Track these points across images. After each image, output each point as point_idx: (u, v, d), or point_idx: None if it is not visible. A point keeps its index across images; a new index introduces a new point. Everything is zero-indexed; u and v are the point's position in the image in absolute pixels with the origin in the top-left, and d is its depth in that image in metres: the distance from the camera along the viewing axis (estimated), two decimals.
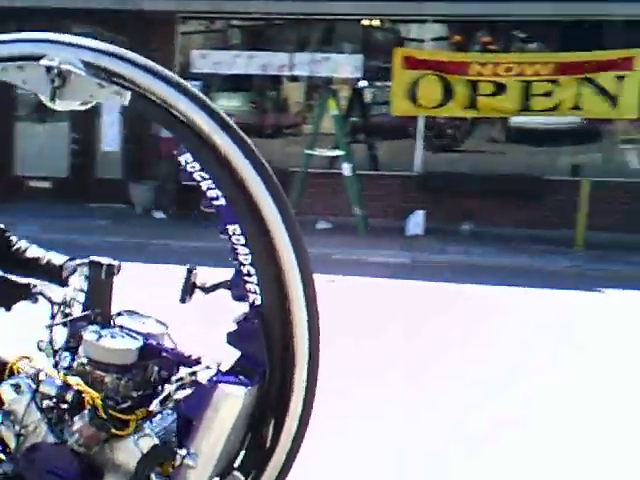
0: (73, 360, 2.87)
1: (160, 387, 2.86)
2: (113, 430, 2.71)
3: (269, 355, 2.71)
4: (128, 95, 2.63)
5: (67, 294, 2.99)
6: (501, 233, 11.69)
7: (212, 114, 2.63)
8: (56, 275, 3.11)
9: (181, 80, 2.68)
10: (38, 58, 2.66)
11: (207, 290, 2.94)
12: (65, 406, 2.79)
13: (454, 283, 9.08)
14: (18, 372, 2.92)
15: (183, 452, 2.65)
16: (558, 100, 11.95)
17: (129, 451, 2.72)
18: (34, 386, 2.83)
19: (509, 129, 13.23)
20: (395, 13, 12.50)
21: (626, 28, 12.24)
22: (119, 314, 2.98)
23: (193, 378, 2.76)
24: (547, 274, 9.78)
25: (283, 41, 13.23)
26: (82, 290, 3.00)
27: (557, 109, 12.04)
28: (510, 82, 12.00)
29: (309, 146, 11.72)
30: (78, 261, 3.09)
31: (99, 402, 2.74)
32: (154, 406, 2.77)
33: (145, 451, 2.68)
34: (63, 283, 3.06)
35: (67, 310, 2.96)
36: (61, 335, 2.93)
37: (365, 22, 12.77)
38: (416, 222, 12.06)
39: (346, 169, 11.53)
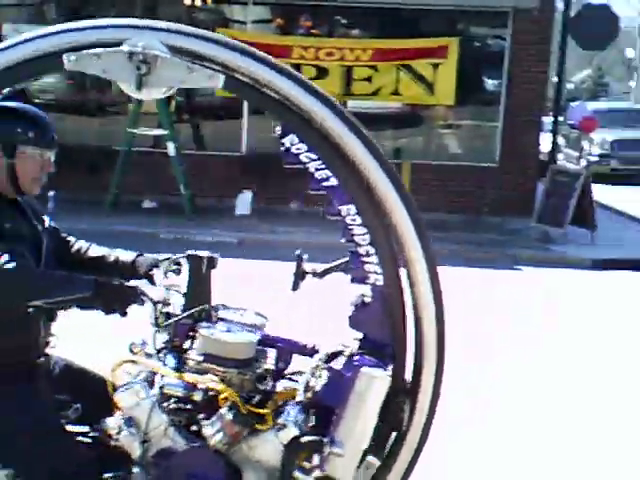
0: (179, 359, 2.73)
1: (278, 379, 2.77)
2: (256, 425, 2.62)
3: (395, 335, 2.64)
4: (222, 78, 2.51)
5: (161, 292, 2.82)
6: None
7: (316, 94, 2.55)
8: (128, 272, 2.96)
9: (277, 61, 2.57)
10: (116, 44, 2.50)
11: (320, 275, 2.91)
12: (190, 406, 2.67)
13: (281, 261, 9.17)
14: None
15: (328, 441, 2.54)
16: (378, 85, 12.32)
17: (271, 445, 2.62)
18: (152, 389, 2.69)
19: None
20: None
21: (442, 17, 12.81)
22: (216, 308, 2.86)
23: (328, 365, 2.65)
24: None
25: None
26: (175, 286, 2.88)
27: (377, 94, 12.41)
28: (332, 67, 12.24)
29: (131, 125, 11.50)
30: (161, 256, 2.99)
31: (238, 398, 2.63)
32: (299, 397, 2.68)
33: (286, 443, 2.59)
34: (141, 279, 2.90)
35: (165, 309, 2.80)
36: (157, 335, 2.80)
37: (187, 2, 12.62)
38: (244, 202, 12.11)
39: (171, 149, 11.41)
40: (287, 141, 2.59)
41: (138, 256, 3.04)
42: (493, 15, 12.79)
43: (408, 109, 13.40)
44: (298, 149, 2.59)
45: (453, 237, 11.17)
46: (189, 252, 2.93)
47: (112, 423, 2.70)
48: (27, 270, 2.68)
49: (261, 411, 2.64)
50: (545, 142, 13.71)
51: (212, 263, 2.91)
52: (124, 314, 2.66)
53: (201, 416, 2.66)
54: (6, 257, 2.58)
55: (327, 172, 2.59)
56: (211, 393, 2.65)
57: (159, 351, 2.78)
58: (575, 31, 12.93)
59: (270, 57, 2.57)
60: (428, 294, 2.61)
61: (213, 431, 2.62)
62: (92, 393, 2.89)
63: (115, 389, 2.72)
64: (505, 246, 11.06)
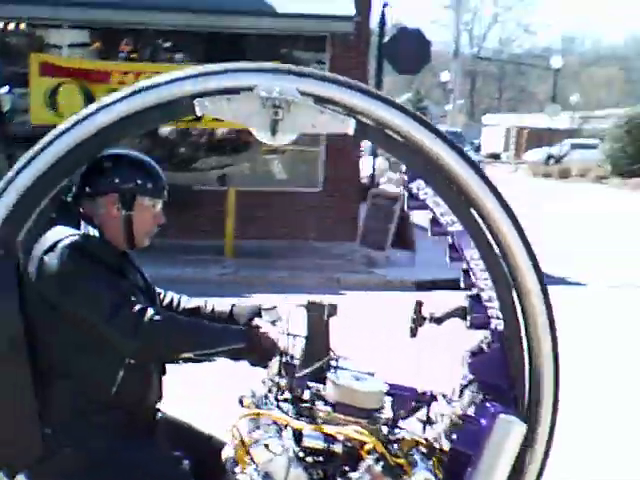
0: (302, 411, 2.65)
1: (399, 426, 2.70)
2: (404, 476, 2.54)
3: (517, 379, 2.61)
4: (352, 123, 2.51)
5: (286, 341, 2.73)
6: (153, 244, 11.69)
7: (441, 136, 2.54)
8: (228, 322, 2.85)
9: (403, 105, 2.58)
10: (247, 89, 2.47)
11: (439, 320, 2.87)
12: (329, 459, 2.59)
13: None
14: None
15: None
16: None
17: None
18: (286, 442, 2.58)
19: None
20: (30, 16, 12.03)
21: (264, 41, 12.93)
22: (337, 358, 2.80)
23: (459, 413, 2.63)
24: (199, 283, 9.97)
25: None
26: (294, 335, 2.76)
27: (200, 120, 12.32)
28: None
29: None
30: (264, 305, 2.88)
31: (384, 449, 2.56)
32: (444, 445, 2.63)
33: None
34: None
35: (284, 359, 2.72)
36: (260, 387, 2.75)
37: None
38: None
39: None
40: (414, 186, 2.61)
41: (233, 306, 2.94)
42: (313, 39, 13.04)
43: (233, 135, 13.40)
44: (425, 194, 2.60)
45: (281, 264, 11.22)
46: (309, 299, 2.84)
47: (254, 476, 2.60)
48: (178, 321, 2.67)
49: (400, 461, 2.58)
50: (368, 166, 14.08)
51: (333, 311, 2.83)
52: (267, 366, 2.69)
53: (344, 468, 2.59)
54: (151, 310, 2.55)
55: (453, 217, 2.60)
56: (350, 444, 2.59)
57: (278, 403, 2.69)
58: (390, 55, 13.37)
59: (396, 101, 2.59)
60: (546, 327, 2.61)
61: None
62: (200, 449, 2.83)
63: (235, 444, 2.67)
64: (330, 270, 11.22)
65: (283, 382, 2.73)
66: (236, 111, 2.50)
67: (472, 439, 2.58)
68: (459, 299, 2.74)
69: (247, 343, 2.61)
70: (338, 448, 2.61)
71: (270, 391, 2.74)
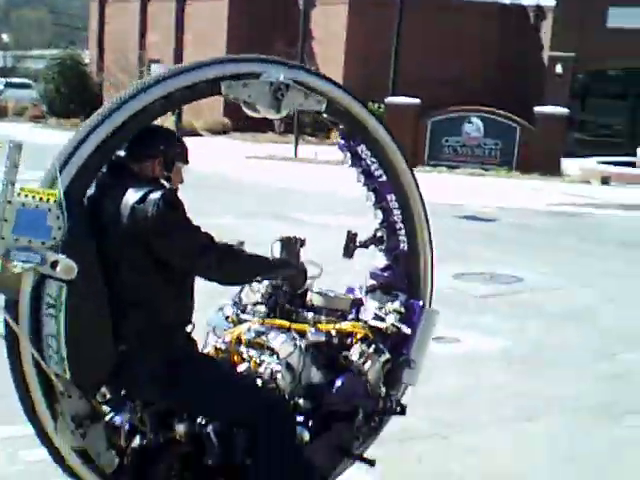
0: (289, 315, 3.65)
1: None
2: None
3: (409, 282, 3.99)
4: (325, 103, 3.52)
5: None
6: None
7: (374, 115, 3.76)
8: None
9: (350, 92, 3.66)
10: (255, 75, 3.35)
11: (366, 245, 4.05)
12: (325, 349, 3.59)
13: None
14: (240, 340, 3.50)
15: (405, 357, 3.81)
16: None
17: (378, 365, 3.71)
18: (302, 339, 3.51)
19: None
20: None
21: None
22: None
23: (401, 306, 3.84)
24: None
25: None
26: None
27: None
28: None
29: None
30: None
31: (371, 335, 3.70)
32: (401, 329, 3.75)
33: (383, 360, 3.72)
34: None
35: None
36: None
37: None
38: None
39: None
40: (359, 149, 3.79)
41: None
42: None
43: None
44: (366, 154, 3.80)
45: None
46: (283, 236, 3.70)
47: (276, 367, 3.39)
48: (248, 256, 3.38)
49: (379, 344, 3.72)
50: None
51: (303, 243, 3.69)
52: (301, 287, 3.65)
53: (343, 354, 3.61)
54: (228, 248, 3.34)
55: (380, 171, 3.83)
56: (342, 336, 3.64)
57: (270, 313, 3.65)
58: None
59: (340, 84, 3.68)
60: (428, 249, 4.06)
61: (362, 359, 3.60)
62: None
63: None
64: None
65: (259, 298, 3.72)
66: (250, 93, 3.35)
67: (409, 324, 3.82)
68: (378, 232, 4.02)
69: (296, 271, 3.57)
70: (336, 340, 3.64)
71: (246, 307, 3.72)
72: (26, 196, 2.85)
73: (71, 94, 32.54)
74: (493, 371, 5.94)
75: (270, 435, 3.19)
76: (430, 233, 4.04)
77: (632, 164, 21.01)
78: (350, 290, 3.99)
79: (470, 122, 20.15)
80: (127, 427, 3.27)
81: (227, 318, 3.69)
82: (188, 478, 3.36)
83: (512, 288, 8.68)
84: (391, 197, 3.88)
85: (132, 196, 3.14)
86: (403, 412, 3.92)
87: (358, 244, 4.01)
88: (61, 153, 3.11)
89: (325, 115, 3.64)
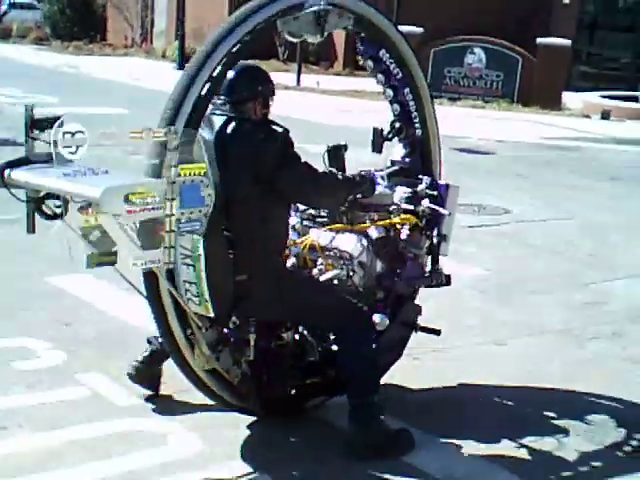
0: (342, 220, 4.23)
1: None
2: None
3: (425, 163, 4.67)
4: (352, 20, 4.16)
5: None
6: None
7: (390, 22, 4.44)
8: None
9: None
10: (298, 7, 3.88)
11: (389, 138, 4.66)
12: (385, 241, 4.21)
13: None
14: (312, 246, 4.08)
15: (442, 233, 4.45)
16: None
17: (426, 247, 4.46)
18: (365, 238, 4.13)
19: None
20: None
21: None
22: None
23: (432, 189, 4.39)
24: None
25: None
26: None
27: None
28: None
29: None
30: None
31: (419, 222, 4.34)
32: (438, 210, 4.32)
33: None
34: None
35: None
36: None
37: None
38: None
39: None
40: (381, 53, 4.44)
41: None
42: None
43: None
44: (386, 56, 4.45)
45: None
46: (329, 145, 4.36)
47: (351, 267, 4.04)
48: (344, 179, 4.07)
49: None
50: None
51: (346, 149, 4.37)
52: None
53: (399, 241, 4.26)
54: (333, 174, 4.12)
55: (398, 69, 4.48)
56: (395, 228, 4.25)
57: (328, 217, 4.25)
58: None
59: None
60: (436, 133, 4.80)
61: (415, 245, 4.32)
62: None
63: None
64: None
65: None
66: (300, 25, 3.91)
67: (440, 203, 4.36)
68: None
69: (370, 183, 4.14)
70: (392, 232, 4.24)
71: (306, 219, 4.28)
72: (184, 174, 3.21)
73: (75, 16, 32.25)
74: (468, 298, 6.21)
75: (356, 333, 3.89)
76: (434, 110, 4.74)
77: (635, 99, 20.91)
78: (371, 175, 4.40)
79: (472, 52, 20.04)
80: (250, 342, 3.82)
81: (293, 227, 4.21)
82: (296, 375, 4.10)
83: (498, 219, 8.90)
84: (406, 90, 4.56)
85: (252, 136, 3.62)
86: (449, 282, 4.59)
87: (383, 138, 4.63)
88: (173, 99, 3.67)
89: (350, 27, 4.24)
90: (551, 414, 4.49)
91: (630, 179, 11.96)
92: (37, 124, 3.44)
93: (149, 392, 4.37)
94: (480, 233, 8.26)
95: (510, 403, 4.63)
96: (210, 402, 4.19)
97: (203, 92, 3.63)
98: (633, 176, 12.17)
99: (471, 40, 20.29)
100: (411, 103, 4.60)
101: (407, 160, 4.68)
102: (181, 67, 23.91)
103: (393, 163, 4.67)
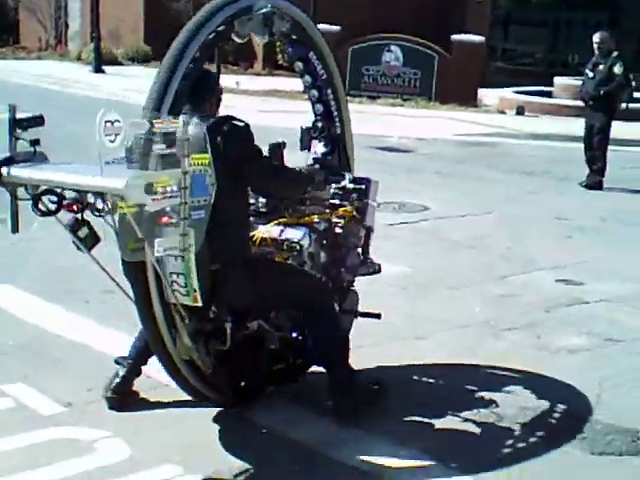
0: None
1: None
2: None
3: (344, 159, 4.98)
4: (289, 24, 4.53)
5: None
6: None
7: (318, 29, 4.79)
8: None
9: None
10: (248, 9, 4.21)
11: (315, 137, 4.93)
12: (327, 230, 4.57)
13: None
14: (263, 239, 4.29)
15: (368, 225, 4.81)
16: None
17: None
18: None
19: None
20: None
21: None
22: None
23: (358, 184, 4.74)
24: None
25: None
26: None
27: None
28: None
29: None
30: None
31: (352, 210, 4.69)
32: (368, 203, 4.76)
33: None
34: None
35: None
36: None
37: None
38: None
39: None
40: (309, 55, 4.74)
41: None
42: None
43: None
44: (314, 58, 4.77)
45: None
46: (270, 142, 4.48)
47: (300, 257, 4.33)
48: (297, 173, 4.42)
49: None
50: None
51: (284, 146, 4.51)
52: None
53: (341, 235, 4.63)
54: (288, 169, 4.38)
55: (323, 70, 4.81)
56: (338, 218, 4.63)
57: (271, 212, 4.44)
58: None
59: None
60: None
61: (353, 236, 4.70)
62: None
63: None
64: None
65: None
66: (252, 26, 4.26)
67: (366, 197, 4.74)
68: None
69: (322, 177, 4.55)
70: (335, 220, 4.61)
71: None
72: (194, 164, 3.38)
73: None
74: (389, 295, 6.34)
75: (325, 309, 4.25)
76: (347, 107, 5.04)
77: (549, 93, 21.47)
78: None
79: (390, 51, 20.30)
80: (227, 332, 4.01)
81: None
82: (262, 362, 4.34)
83: (418, 216, 9.08)
84: (329, 90, 4.88)
85: (217, 131, 3.79)
86: (380, 270, 4.98)
87: (310, 137, 4.92)
88: (152, 97, 3.81)
89: (287, 30, 4.57)
90: (471, 395, 4.65)
91: (544, 173, 12.32)
92: (19, 124, 3.57)
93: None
94: (400, 230, 8.43)
95: (428, 386, 4.80)
96: (136, 407, 4.21)
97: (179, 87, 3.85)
98: (547, 170, 12.54)
99: (388, 38, 20.54)
100: (332, 103, 4.91)
101: (328, 158, 4.96)
102: (97, 69, 23.60)
103: (315, 160, 4.93)
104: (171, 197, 3.28)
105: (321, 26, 18.20)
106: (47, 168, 3.53)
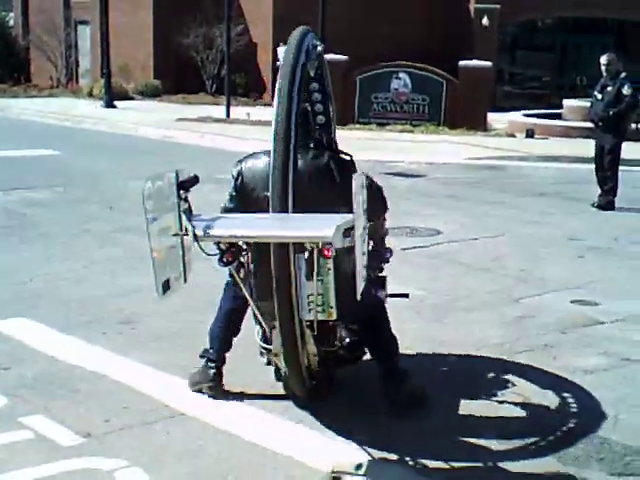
0: None
1: None
2: None
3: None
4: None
5: None
6: None
7: None
8: None
9: None
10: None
11: None
12: None
13: None
14: None
15: None
16: None
17: None
18: None
19: None
20: None
21: None
22: None
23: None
24: None
25: None
26: None
27: None
28: None
29: None
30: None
31: None
32: None
33: None
34: None
35: None
36: None
37: None
38: None
39: None
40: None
41: None
42: None
43: None
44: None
45: None
46: None
47: None
48: None
49: None
50: None
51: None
52: None
53: None
54: None
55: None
56: None
57: None
58: None
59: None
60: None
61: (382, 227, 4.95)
62: None
63: None
64: None
65: None
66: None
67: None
68: None
69: None
70: None
71: None
72: None
73: None
74: (404, 318, 6.33)
75: (384, 316, 4.84)
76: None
77: (558, 116, 21.56)
78: None
79: (398, 78, 20.47)
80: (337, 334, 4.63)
81: None
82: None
83: (430, 240, 9.10)
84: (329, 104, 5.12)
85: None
86: (392, 253, 5.11)
87: None
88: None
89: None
90: (484, 417, 4.65)
91: (555, 195, 12.33)
92: (182, 186, 3.91)
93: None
94: (413, 255, 8.44)
95: (442, 409, 4.78)
96: (155, 436, 4.23)
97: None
98: (558, 191, 12.55)
99: (396, 66, 20.71)
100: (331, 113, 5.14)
101: None
102: (108, 104, 23.85)
103: None
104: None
105: (329, 56, 18.51)
106: (238, 224, 4.10)
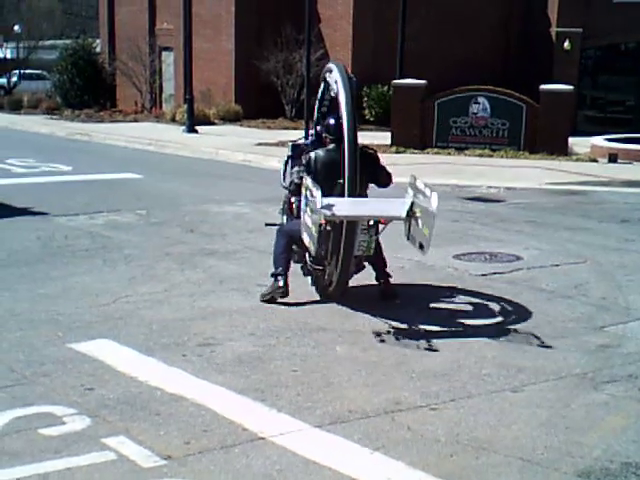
0: None
1: None
2: None
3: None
4: None
5: None
6: None
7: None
8: None
9: None
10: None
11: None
12: None
13: None
14: None
15: None
16: None
17: None
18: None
19: None
20: None
21: None
22: None
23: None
24: None
25: None
26: None
27: None
28: None
29: None
30: None
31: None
32: None
33: None
34: None
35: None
36: None
37: None
38: None
39: None
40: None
41: None
42: None
43: None
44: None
45: None
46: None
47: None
48: None
49: None
50: None
51: None
52: None
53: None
54: None
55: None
56: None
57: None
58: None
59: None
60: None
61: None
62: None
63: None
64: None
65: None
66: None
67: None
68: None
69: None
70: None
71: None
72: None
73: (85, 85, 32.93)
74: (482, 345, 6.28)
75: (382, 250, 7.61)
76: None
77: None
78: None
79: (477, 102, 20.31)
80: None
81: None
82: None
83: (510, 266, 8.98)
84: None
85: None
86: None
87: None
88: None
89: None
90: (567, 459, 4.53)
91: (638, 221, 12.03)
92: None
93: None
94: (492, 281, 8.34)
95: (523, 450, 4.68)
96: (234, 460, 4.25)
97: None
98: None
99: (475, 90, 20.56)
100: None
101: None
102: (190, 129, 24.31)
103: None
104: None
105: (408, 81, 18.63)
106: (354, 206, 6.77)
